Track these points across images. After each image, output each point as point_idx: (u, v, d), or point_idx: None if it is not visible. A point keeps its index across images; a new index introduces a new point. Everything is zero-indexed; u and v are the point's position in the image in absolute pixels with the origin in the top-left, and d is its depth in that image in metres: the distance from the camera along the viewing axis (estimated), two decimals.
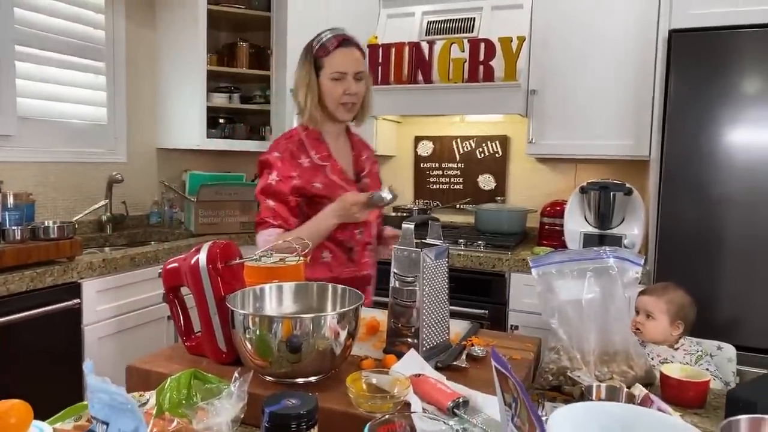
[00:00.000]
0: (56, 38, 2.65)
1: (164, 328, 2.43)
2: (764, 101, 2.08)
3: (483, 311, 2.46)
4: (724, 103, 2.13)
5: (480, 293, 2.48)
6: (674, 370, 1.07)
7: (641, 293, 1.71)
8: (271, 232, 1.57)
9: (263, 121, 3.30)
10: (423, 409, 0.85)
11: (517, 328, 2.42)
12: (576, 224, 2.54)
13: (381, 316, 1.26)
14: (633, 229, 2.46)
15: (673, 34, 2.21)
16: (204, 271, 1.03)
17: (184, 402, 0.80)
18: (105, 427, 0.52)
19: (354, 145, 1.77)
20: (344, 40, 1.62)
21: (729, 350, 1.68)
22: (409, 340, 1.09)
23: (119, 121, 2.98)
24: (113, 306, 2.22)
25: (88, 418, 0.69)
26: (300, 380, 0.96)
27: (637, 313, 1.66)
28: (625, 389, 0.98)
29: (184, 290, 1.10)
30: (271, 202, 1.59)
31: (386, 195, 1.47)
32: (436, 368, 1.02)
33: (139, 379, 1.01)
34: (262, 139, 3.28)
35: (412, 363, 0.99)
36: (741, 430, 0.74)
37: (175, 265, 1.08)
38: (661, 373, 1.07)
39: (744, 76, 2.10)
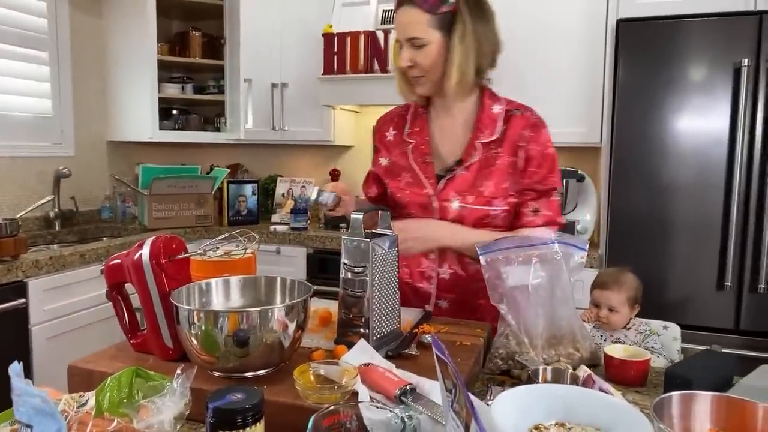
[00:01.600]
0: None
1: (118, 326, 2.36)
2: (709, 89, 2.15)
3: None
4: (670, 90, 2.20)
5: None
6: (617, 351, 1.10)
7: (599, 287, 1.70)
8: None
9: (217, 111, 3.23)
10: (370, 398, 0.85)
11: None
12: None
13: (334, 308, 1.26)
14: (585, 214, 2.53)
15: (621, 23, 2.26)
16: (147, 267, 1.00)
17: (125, 401, 0.78)
18: (29, 430, 0.50)
19: (478, 126, 1.36)
20: None
21: (674, 329, 1.75)
22: (361, 330, 1.09)
23: (65, 113, 2.87)
24: (63, 305, 2.15)
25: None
26: (249, 374, 0.95)
27: (597, 306, 1.69)
28: (570, 371, 1.01)
29: (129, 287, 1.07)
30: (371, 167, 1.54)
31: (312, 195, 1.29)
32: (387, 357, 1.02)
33: (81, 379, 0.98)
34: (217, 130, 3.22)
35: (362, 353, 0.99)
36: (673, 405, 0.77)
37: (118, 261, 1.05)
38: (605, 354, 1.10)
39: (690, 65, 2.17)
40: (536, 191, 1.34)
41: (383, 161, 1.45)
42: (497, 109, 1.38)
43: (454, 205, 1.33)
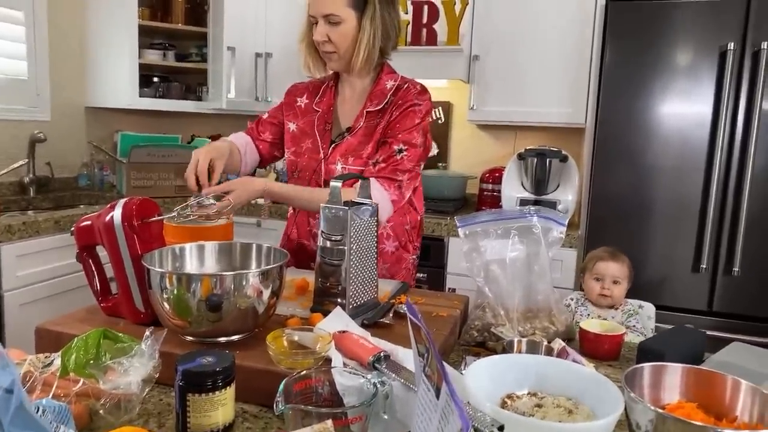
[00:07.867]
0: None
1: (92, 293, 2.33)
2: (694, 73, 2.15)
3: (422, 275, 2.49)
4: (656, 73, 2.19)
5: (419, 257, 2.51)
6: (592, 325, 1.11)
7: (601, 260, 1.75)
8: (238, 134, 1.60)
9: (199, 80, 3.16)
10: (344, 364, 0.85)
11: (454, 290, 2.47)
12: (513, 190, 2.58)
13: (311, 277, 1.25)
14: (567, 194, 2.53)
15: (610, 3, 2.24)
16: (119, 229, 0.98)
17: (92, 362, 0.77)
18: None
19: (370, 97, 1.48)
20: None
21: (649, 309, 1.78)
22: (338, 299, 1.08)
23: (41, 76, 2.78)
24: (36, 271, 2.11)
25: None
26: (221, 339, 0.94)
27: (599, 280, 1.72)
28: (545, 343, 1.01)
29: (100, 249, 1.05)
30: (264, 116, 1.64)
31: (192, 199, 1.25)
32: (362, 325, 1.02)
33: (49, 342, 0.96)
34: (199, 99, 3.15)
35: (337, 320, 0.99)
36: (644, 376, 0.78)
37: (89, 222, 1.02)
38: (580, 328, 1.11)
39: (676, 48, 2.16)
40: (386, 143, 1.43)
41: (291, 126, 1.56)
42: (390, 84, 1.48)
43: (338, 166, 1.46)
